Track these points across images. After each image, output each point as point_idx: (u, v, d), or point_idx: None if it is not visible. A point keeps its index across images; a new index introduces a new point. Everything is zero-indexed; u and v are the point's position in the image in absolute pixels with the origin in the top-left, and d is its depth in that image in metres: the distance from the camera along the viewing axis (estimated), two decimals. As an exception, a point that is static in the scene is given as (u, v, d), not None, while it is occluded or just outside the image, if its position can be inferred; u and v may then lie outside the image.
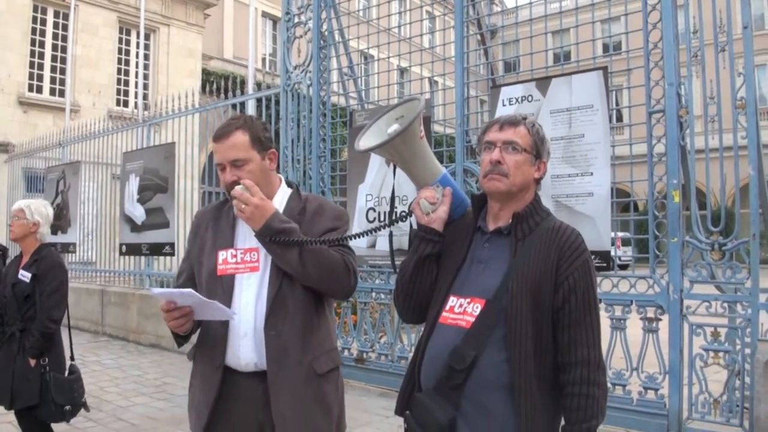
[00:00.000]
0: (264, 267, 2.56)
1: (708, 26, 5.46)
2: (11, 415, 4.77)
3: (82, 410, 4.67)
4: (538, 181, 2.29)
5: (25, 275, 4.43)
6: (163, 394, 7.33)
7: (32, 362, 4.34)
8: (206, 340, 2.62)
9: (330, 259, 2.51)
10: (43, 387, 4.34)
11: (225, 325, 2.53)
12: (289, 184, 2.78)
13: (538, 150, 2.23)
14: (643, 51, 5.73)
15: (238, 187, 2.45)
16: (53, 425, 4.57)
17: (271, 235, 2.43)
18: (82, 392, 4.61)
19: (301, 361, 2.52)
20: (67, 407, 4.43)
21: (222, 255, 2.59)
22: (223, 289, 2.53)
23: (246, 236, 2.60)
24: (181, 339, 2.63)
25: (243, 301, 2.53)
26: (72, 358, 4.73)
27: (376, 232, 2.52)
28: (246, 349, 2.50)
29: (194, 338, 2.71)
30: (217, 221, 2.71)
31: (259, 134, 2.60)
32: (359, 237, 2.66)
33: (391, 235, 2.61)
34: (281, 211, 2.56)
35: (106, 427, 6.04)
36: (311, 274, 2.48)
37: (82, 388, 4.62)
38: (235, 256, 2.58)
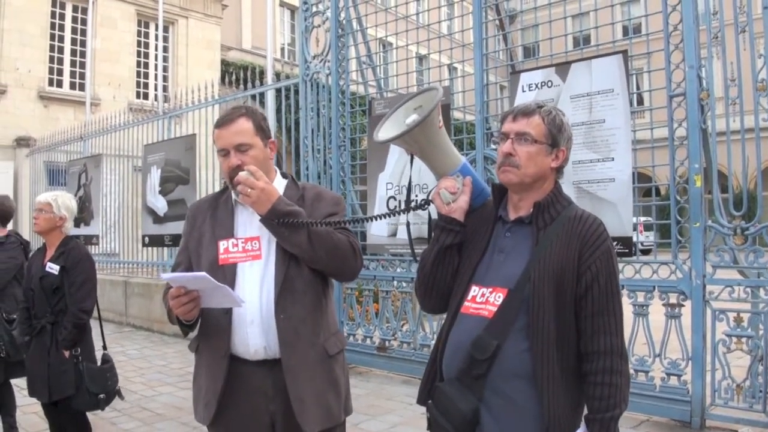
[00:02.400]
0: (267, 254, 2.57)
1: (728, 7, 5.40)
2: (38, 405, 4.82)
3: (116, 398, 4.71)
4: (558, 170, 2.27)
5: (53, 267, 4.44)
6: (188, 384, 7.30)
7: (66, 354, 4.38)
8: (209, 329, 2.61)
9: (337, 240, 2.53)
10: (78, 377, 4.38)
11: (229, 313, 2.53)
12: (284, 175, 2.79)
13: (554, 139, 2.21)
14: (663, 33, 5.67)
15: (242, 173, 2.45)
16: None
17: (278, 218, 2.43)
18: (115, 381, 4.63)
19: (313, 343, 2.56)
20: (102, 395, 4.45)
21: (223, 245, 2.59)
22: (225, 278, 2.52)
23: (246, 225, 2.63)
24: (186, 327, 2.60)
25: (247, 288, 2.53)
26: (104, 348, 4.77)
27: (391, 216, 2.52)
28: (254, 336, 2.52)
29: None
30: (214, 212, 2.72)
31: (260, 122, 2.65)
32: (375, 220, 2.66)
33: (408, 225, 2.61)
34: None
35: (131, 417, 6.12)
36: (321, 256, 2.50)
37: (115, 376, 4.65)
38: (237, 245, 2.58)
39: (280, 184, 2.72)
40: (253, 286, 2.54)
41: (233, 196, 2.66)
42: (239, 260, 2.57)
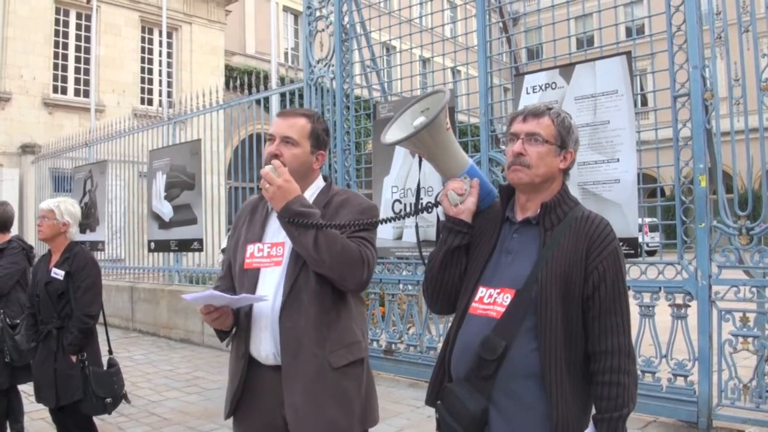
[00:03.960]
0: (286, 261, 2.57)
1: (731, 6, 5.40)
2: (45, 411, 4.83)
3: (123, 402, 4.72)
4: (565, 171, 2.28)
5: (58, 273, 4.46)
6: (195, 388, 7.41)
7: (73, 359, 4.40)
8: (237, 330, 2.65)
9: (345, 248, 2.47)
10: (84, 381, 4.40)
11: (248, 316, 2.57)
12: (324, 178, 2.79)
13: (563, 140, 2.23)
14: (666, 34, 5.67)
15: (267, 167, 2.47)
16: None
17: (289, 216, 2.42)
18: (121, 384, 4.65)
19: (316, 354, 2.51)
20: (108, 399, 4.47)
21: (250, 249, 2.63)
22: (248, 282, 2.57)
23: (275, 231, 2.62)
24: (224, 334, 2.66)
25: (264, 293, 2.54)
26: (110, 352, 4.79)
27: (399, 219, 2.52)
28: (266, 341, 2.54)
29: None
30: (252, 215, 2.76)
31: (318, 131, 2.69)
32: (382, 223, 2.63)
33: (417, 227, 2.61)
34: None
35: (138, 422, 6.13)
36: (324, 260, 2.44)
37: (121, 380, 4.66)
38: (262, 250, 2.61)
39: (315, 189, 2.73)
40: (269, 293, 2.55)
41: None
42: (263, 265, 2.59)
